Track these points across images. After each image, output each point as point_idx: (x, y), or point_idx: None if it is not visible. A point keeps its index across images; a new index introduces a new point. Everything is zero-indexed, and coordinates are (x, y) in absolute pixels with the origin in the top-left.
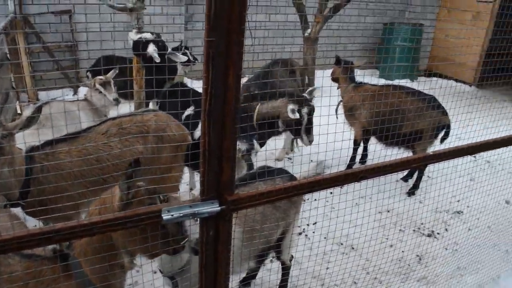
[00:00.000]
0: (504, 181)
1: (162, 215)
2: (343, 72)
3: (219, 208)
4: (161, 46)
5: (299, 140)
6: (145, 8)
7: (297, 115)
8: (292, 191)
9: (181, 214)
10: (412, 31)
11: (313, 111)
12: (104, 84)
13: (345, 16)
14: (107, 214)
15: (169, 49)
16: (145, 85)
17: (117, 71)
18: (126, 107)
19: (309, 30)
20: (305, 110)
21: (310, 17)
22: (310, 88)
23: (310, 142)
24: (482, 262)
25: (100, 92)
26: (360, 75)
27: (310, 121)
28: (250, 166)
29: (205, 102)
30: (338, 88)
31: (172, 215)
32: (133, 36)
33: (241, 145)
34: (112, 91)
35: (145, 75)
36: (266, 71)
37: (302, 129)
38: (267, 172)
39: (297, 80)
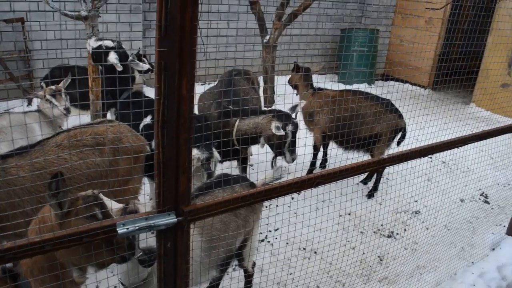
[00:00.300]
0: (458, 180)
1: (117, 229)
2: (302, 78)
3: (176, 219)
4: (122, 54)
5: (278, 159)
6: (100, 16)
7: (282, 132)
8: (249, 199)
9: (137, 227)
10: (369, 37)
11: (297, 128)
12: (55, 94)
13: (303, 23)
14: (47, 231)
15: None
16: (103, 95)
17: (69, 81)
18: (82, 118)
19: (268, 37)
20: (289, 128)
21: (269, 24)
22: (293, 104)
23: (293, 160)
24: (440, 259)
25: (51, 102)
26: (320, 81)
27: (294, 138)
28: (210, 174)
29: (158, 113)
30: (297, 95)
31: (127, 228)
32: (93, 43)
33: (200, 154)
34: (63, 101)
35: (103, 84)
36: (228, 82)
37: (285, 146)
38: (227, 180)
39: (256, 90)
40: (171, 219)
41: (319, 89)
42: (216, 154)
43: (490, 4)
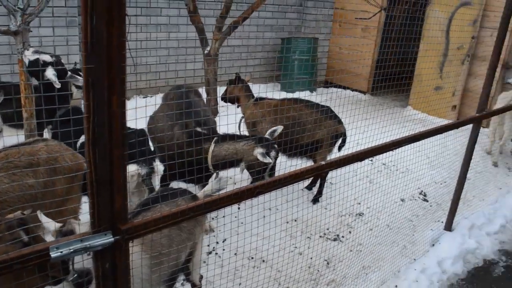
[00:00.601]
0: (398, 181)
1: (51, 253)
2: (243, 89)
3: (112, 239)
4: (61, 71)
5: None
6: (31, 31)
7: (269, 159)
8: (189, 213)
9: (71, 250)
10: (308, 44)
11: (279, 153)
12: None
13: (244, 33)
14: None
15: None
16: (38, 112)
17: (1, 99)
18: (16, 138)
19: (208, 48)
20: (273, 154)
21: (209, 34)
22: (272, 129)
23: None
24: (384, 259)
25: None
26: (263, 91)
27: (274, 164)
28: (151, 190)
29: (88, 131)
30: (238, 107)
31: (61, 252)
32: (30, 55)
33: (140, 169)
34: None
35: (38, 100)
36: (181, 98)
37: (266, 172)
38: (169, 194)
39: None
40: (107, 239)
41: (261, 98)
42: (157, 168)
43: (420, 14)
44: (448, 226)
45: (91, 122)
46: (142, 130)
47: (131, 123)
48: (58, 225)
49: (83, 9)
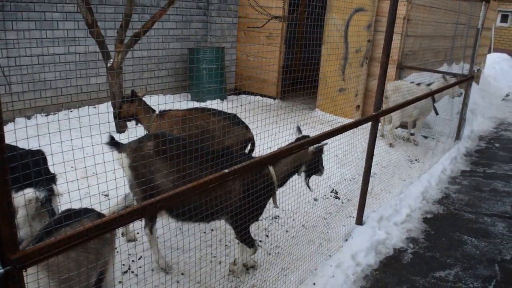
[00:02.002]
0: (311, 181)
1: None
2: (141, 103)
3: (2, 270)
4: None
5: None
6: None
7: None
8: (87, 234)
9: None
10: (215, 53)
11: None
12: None
13: (150, 44)
14: None
15: None
16: None
17: None
18: None
19: (111, 60)
20: (317, 145)
21: (111, 46)
22: (297, 127)
23: (323, 169)
24: (302, 258)
25: None
26: (176, 101)
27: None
28: (52, 212)
29: None
30: (137, 124)
31: None
32: None
33: (38, 193)
34: None
35: None
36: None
37: (320, 162)
38: (73, 214)
39: None
40: None
41: (164, 110)
42: (57, 189)
43: (318, 22)
44: (359, 220)
45: None
46: (39, 151)
47: (34, 142)
48: None
49: None
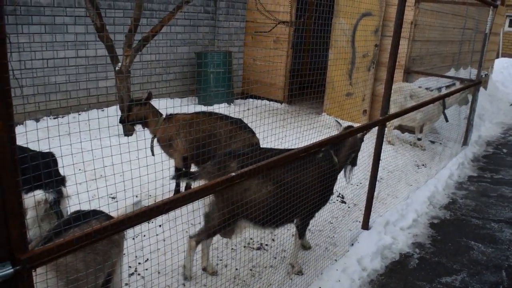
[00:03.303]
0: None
1: None
2: (150, 107)
3: (12, 270)
4: None
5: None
6: None
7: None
8: (95, 235)
9: None
10: (222, 57)
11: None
12: None
13: (158, 47)
14: None
15: None
16: None
17: None
18: None
19: (119, 64)
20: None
21: (120, 50)
22: (335, 120)
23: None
24: (308, 262)
25: None
26: (184, 104)
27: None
28: (60, 214)
29: None
30: (144, 128)
31: None
32: None
33: (47, 195)
34: None
35: None
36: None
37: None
38: (82, 216)
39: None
40: (6, 270)
41: (171, 114)
42: (66, 191)
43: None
44: (365, 225)
45: None
46: (49, 153)
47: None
48: None
49: None
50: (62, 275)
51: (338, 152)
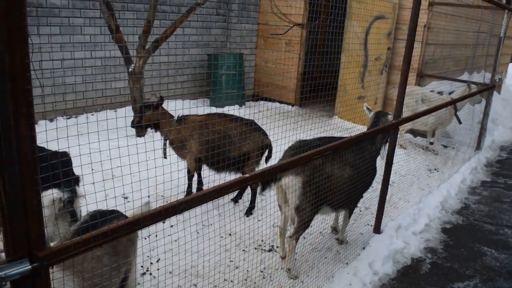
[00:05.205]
0: None
1: None
2: (162, 110)
3: (30, 266)
4: None
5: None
6: None
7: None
8: (111, 234)
9: None
10: (234, 59)
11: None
12: None
13: (170, 49)
14: None
15: None
16: None
17: None
18: None
19: (132, 65)
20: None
21: (132, 52)
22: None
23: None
24: (319, 265)
25: None
26: (193, 106)
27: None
28: (73, 214)
29: None
30: (156, 131)
31: None
32: None
33: (62, 194)
34: None
35: None
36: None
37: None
38: (99, 215)
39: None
40: (24, 267)
41: (183, 116)
42: (80, 190)
43: (339, 29)
44: (377, 229)
45: None
46: (64, 152)
47: (53, 145)
48: None
49: None
50: (80, 274)
51: (376, 137)
